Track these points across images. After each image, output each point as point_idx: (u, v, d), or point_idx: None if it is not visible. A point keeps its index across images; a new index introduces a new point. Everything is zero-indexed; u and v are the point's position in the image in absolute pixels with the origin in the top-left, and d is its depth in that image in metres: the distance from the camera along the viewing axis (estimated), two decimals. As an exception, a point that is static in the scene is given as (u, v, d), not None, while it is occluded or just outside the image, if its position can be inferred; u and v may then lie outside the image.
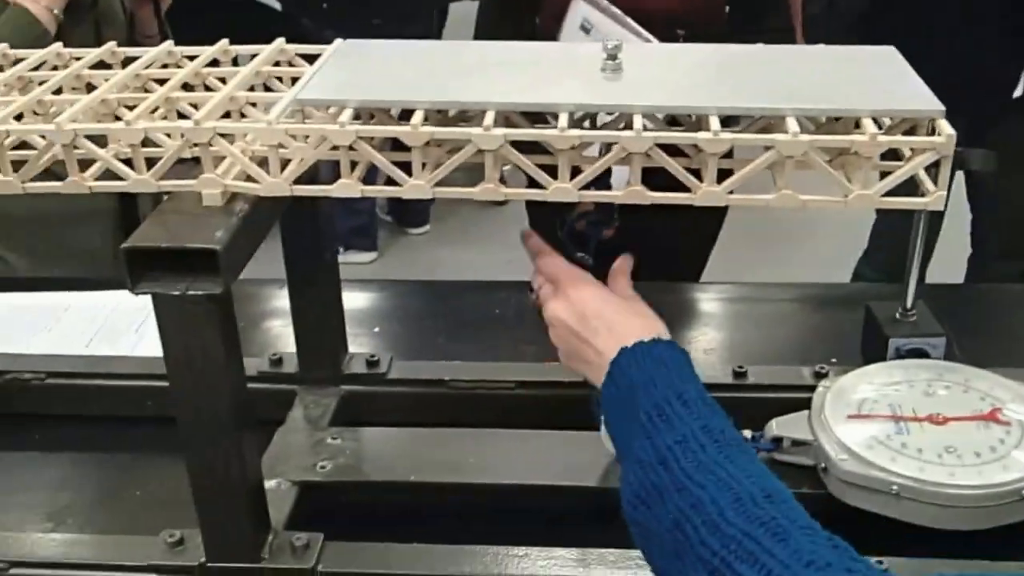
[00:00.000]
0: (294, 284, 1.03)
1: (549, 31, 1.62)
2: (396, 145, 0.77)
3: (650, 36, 1.48)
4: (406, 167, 0.76)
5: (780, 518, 0.59)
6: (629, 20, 1.49)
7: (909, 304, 1.15)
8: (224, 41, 0.94)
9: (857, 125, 0.75)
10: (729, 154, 0.77)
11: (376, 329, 1.31)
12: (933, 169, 0.74)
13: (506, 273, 1.32)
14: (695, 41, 1.61)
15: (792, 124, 0.74)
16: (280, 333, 1.28)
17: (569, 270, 0.87)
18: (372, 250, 3.50)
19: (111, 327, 1.30)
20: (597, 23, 1.52)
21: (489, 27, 1.82)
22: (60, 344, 1.26)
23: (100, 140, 0.79)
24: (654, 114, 0.81)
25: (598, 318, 0.81)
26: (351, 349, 1.10)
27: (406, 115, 0.77)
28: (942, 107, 0.74)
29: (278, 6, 3.52)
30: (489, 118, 0.75)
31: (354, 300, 1.30)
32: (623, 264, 0.89)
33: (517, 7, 1.74)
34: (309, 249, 1.01)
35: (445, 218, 3.68)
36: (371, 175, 0.80)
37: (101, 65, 0.92)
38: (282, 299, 1.16)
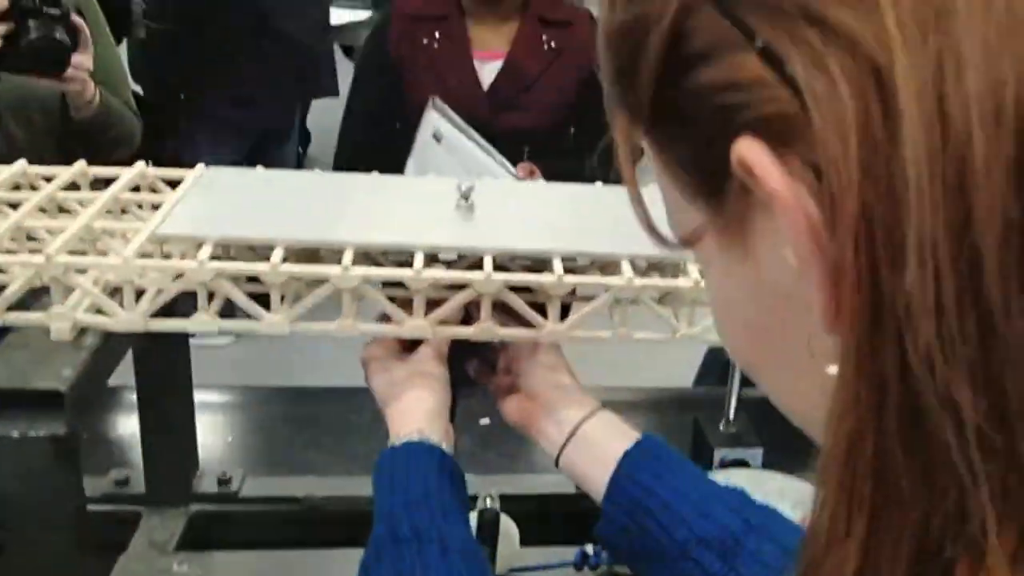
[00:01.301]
0: (143, 402, 1.02)
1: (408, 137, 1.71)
2: (252, 276, 0.79)
3: (495, 152, 1.57)
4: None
5: None
6: (475, 134, 1.58)
7: (731, 416, 1.23)
8: (81, 162, 0.93)
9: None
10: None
11: (229, 439, 1.30)
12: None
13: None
14: (541, 157, 1.73)
15: (627, 268, 0.79)
16: (131, 443, 1.26)
17: (376, 347, 0.86)
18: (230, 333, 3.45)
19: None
20: (447, 134, 1.61)
21: (356, 128, 1.89)
22: None
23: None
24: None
25: (377, 399, 0.84)
26: (202, 461, 1.09)
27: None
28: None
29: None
30: (347, 257, 0.77)
31: (207, 405, 1.29)
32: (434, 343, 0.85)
33: (380, 115, 1.82)
34: (162, 370, 1.00)
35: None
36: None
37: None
38: (131, 404, 1.14)
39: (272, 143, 3.18)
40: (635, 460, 0.76)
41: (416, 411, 0.80)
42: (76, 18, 1.50)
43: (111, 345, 0.78)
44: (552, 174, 0.97)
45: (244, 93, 3.09)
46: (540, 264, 0.85)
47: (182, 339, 1.02)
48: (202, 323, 0.78)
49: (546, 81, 1.78)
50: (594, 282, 0.79)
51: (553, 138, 1.80)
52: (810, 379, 0.33)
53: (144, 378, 1.00)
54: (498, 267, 0.79)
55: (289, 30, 3.03)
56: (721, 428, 1.24)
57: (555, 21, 1.80)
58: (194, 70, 3.13)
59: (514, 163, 1.67)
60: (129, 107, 1.72)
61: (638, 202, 0.39)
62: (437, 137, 1.63)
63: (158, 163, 0.95)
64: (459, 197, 0.86)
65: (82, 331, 0.77)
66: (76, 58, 1.49)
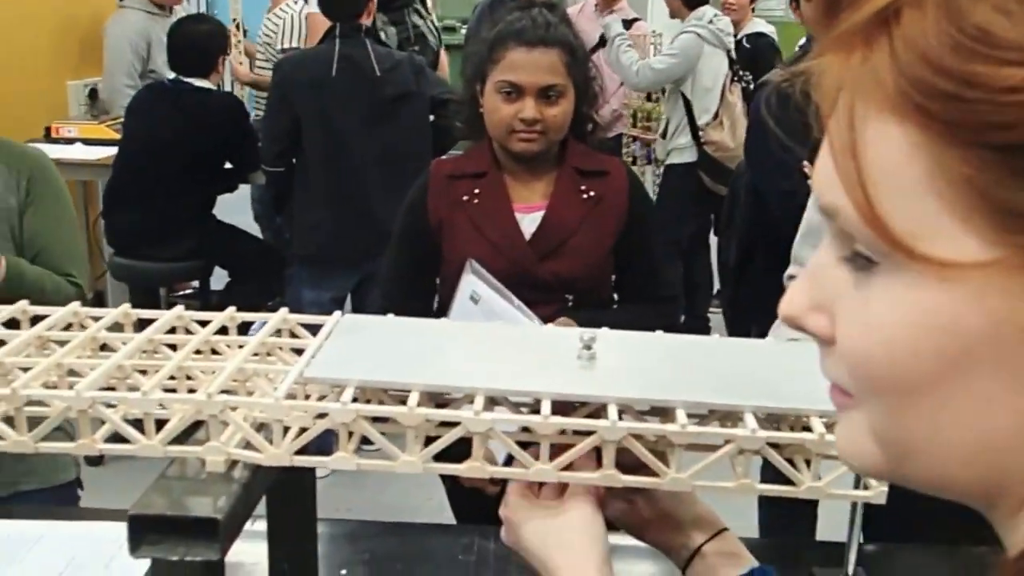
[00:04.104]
0: (274, 534, 1.07)
1: (445, 299, 1.77)
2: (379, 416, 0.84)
3: (531, 313, 1.62)
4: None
5: None
6: (512, 296, 1.63)
7: (850, 571, 1.22)
8: (231, 308, 1.02)
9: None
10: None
11: (343, 572, 1.34)
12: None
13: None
14: (583, 304, 1.77)
15: (750, 420, 0.82)
16: (251, 571, 1.31)
17: (518, 502, 0.89)
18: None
19: (81, 561, 1.32)
20: (484, 295, 1.66)
21: (394, 286, 1.94)
22: (31, 577, 1.28)
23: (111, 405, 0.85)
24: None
25: (534, 558, 0.85)
26: (321, 595, 1.13)
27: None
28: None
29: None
30: (479, 403, 0.82)
31: (322, 537, 1.33)
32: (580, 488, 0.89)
33: (421, 277, 1.88)
34: (293, 504, 1.05)
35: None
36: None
37: (116, 327, 0.99)
38: (249, 537, 1.19)
39: (376, 284, 3.27)
40: None
41: (587, 564, 0.82)
42: None
43: (258, 478, 0.84)
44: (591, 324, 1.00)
45: (339, 244, 3.20)
46: (659, 412, 0.90)
47: (311, 476, 1.07)
48: (342, 460, 0.84)
49: (585, 229, 1.82)
50: (719, 432, 0.82)
51: (593, 284, 1.85)
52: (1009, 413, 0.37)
53: (275, 510, 1.05)
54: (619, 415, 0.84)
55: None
56: None
57: (591, 171, 1.85)
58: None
59: (557, 308, 1.72)
60: (70, 280, 1.77)
61: (860, 186, 0.41)
62: (474, 299, 1.68)
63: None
64: (581, 347, 0.91)
65: (233, 463, 0.83)
66: None
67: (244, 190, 4.10)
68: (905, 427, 0.43)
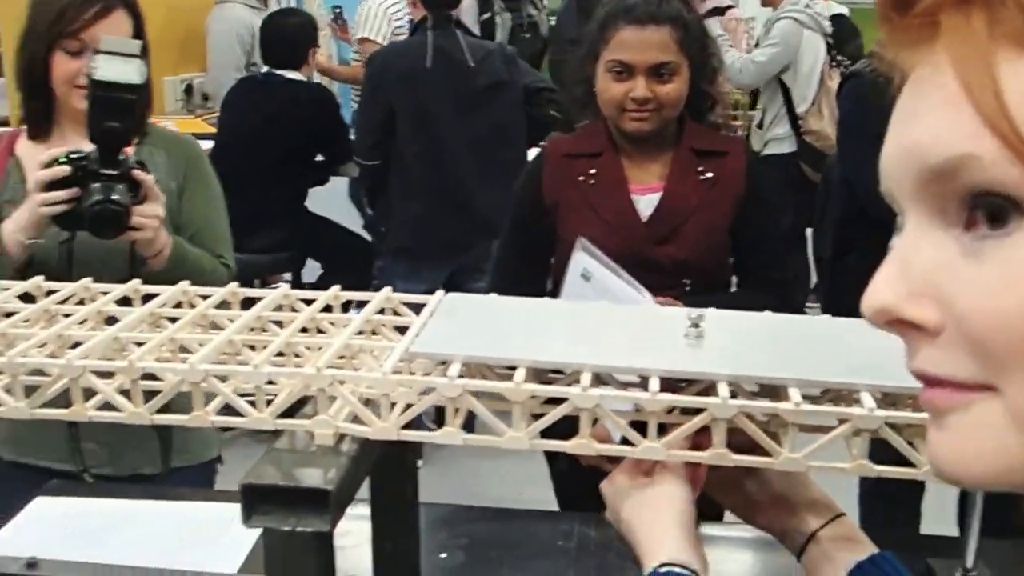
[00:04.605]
0: (377, 512, 1.07)
1: (558, 280, 1.75)
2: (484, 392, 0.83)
3: (643, 289, 1.59)
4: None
5: None
6: (623, 272, 1.61)
7: (970, 564, 1.18)
8: (336, 287, 1.02)
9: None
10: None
11: (443, 555, 1.34)
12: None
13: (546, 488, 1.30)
14: (700, 290, 1.74)
15: (867, 399, 0.80)
16: (350, 554, 1.31)
17: (620, 477, 0.88)
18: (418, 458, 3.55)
19: (188, 539, 1.35)
20: (596, 273, 1.64)
21: (507, 268, 1.94)
22: (140, 553, 1.30)
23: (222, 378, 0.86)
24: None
25: (624, 530, 0.85)
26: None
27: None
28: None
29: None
30: (586, 378, 0.81)
31: (421, 523, 1.33)
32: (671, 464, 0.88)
33: (535, 256, 1.87)
34: (396, 481, 1.06)
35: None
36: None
37: (223, 305, 1.00)
38: (350, 519, 1.20)
39: (467, 277, 3.27)
40: (865, 570, 0.80)
41: (670, 537, 0.81)
42: (138, 173, 1.57)
43: (365, 452, 0.84)
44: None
45: (441, 236, 3.22)
46: (768, 393, 0.88)
47: (413, 456, 1.07)
48: (448, 435, 0.84)
49: (703, 211, 1.80)
50: (834, 411, 0.80)
51: (711, 267, 1.81)
52: None
53: (378, 490, 1.06)
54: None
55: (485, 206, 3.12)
56: (958, 575, 1.18)
57: (709, 151, 1.82)
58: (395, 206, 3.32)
59: (674, 295, 1.69)
60: (222, 261, 1.81)
61: (1006, 119, 0.39)
62: (586, 277, 1.66)
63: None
64: (689, 325, 0.89)
65: (340, 438, 0.84)
66: (141, 209, 1.57)
67: (335, 182, 4.15)
68: None
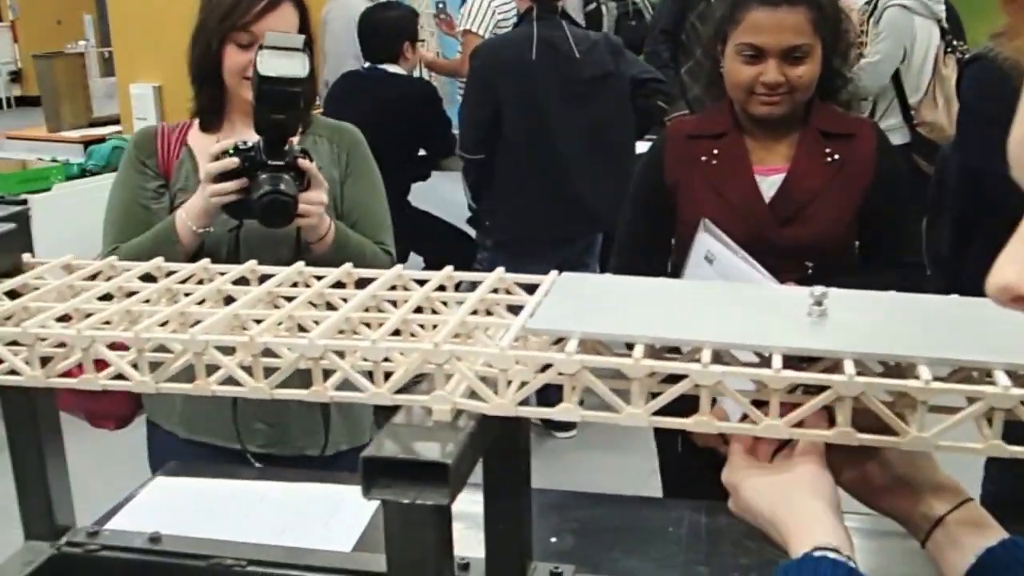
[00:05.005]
0: (490, 491, 1.08)
1: (679, 262, 1.73)
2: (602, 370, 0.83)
3: (767, 273, 1.55)
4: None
5: None
6: (746, 254, 1.58)
7: None
8: (449, 268, 1.03)
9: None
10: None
11: (553, 539, 1.34)
12: None
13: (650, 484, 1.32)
14: (823, 270, 1.69)
15: (1002, 377, 0.77)
16: (462, 536, 1.32)
17: (740, 462, 0.87)
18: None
19: (301, 519, 1.37)
20: (719, 255, 1.61)
21: (628, 249, 1.92)
22: (255, 532, 1.33)
23: (340, 353, 0.87)
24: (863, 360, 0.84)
25: (761, 517, 0.83)
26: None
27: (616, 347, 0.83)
28: None
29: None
30: (706, 355, 0.80)
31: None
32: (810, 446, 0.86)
33: (656, 237, 1.85)
34: (509, 460, 1.06)
35: (592, 424, 3.71)
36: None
37: (338, 285, 1.01)
38: (463, 503, 1.21)
39: (571, 271, 3.24)
40: (997, 556, 0.77)
41: (822, 521, 0.79)
42: (303, 162, 1.63)
43: (483, 429, 0.84)
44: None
45: (547, 229, 3.22)
46: (894, 373, 0.85)
47: (526, 436, 1.07)
48: (567, 411, 0.83)
49: (829, 194, 1.75)
50: (967, 390, 0.77)
51: (836, 251, 1.77)
52: None
53: (492, 469, 1.06)
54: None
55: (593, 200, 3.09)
56: None
57: (837, 133, 1.77)
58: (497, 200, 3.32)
59: (798, 278, 1.65)
60: (383, 248, 1.85)
61: None
62: (709, 259, 1.64)
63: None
64: (812, 303, 0.87)
65: (457, 414, 0.84)
66: (306, 196, 1.62)
67: (437, 176, 4.18)
68: None
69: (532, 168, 3.14)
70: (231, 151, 1.61)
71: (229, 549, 1.19)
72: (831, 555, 0.75)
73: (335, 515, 1.36)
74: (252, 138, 1.63)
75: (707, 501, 1.34)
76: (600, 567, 1.24)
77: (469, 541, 1.13)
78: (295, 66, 1.55)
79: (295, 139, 1.73)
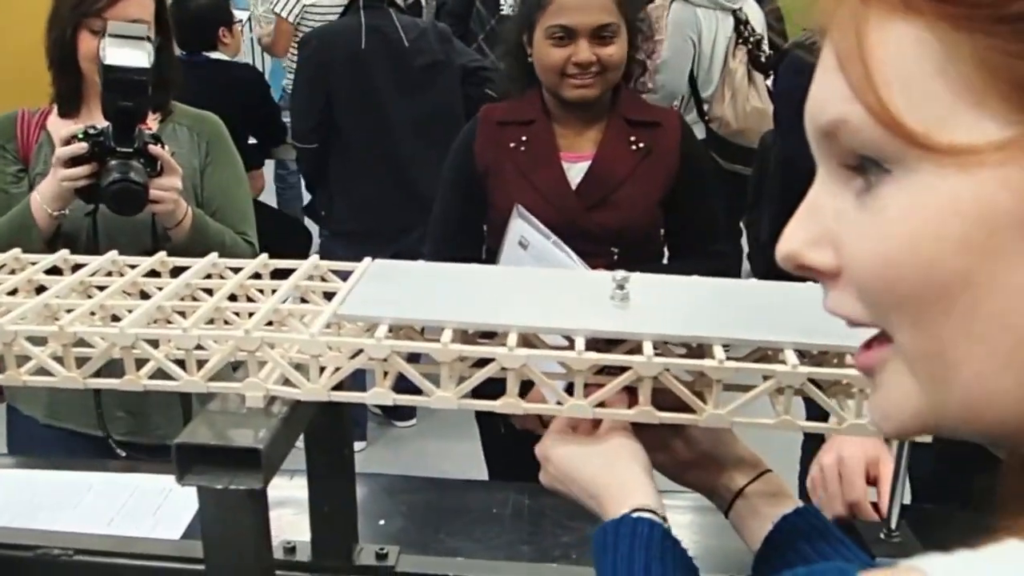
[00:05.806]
0: (313, 475, 1.08)
1: (493, 247, 1.77)
2: (411, 358, 0.85)
3: (577, 259, 1.61)
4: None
5: None
6: (559, 240, 1.63)
7: (893, 526, 1.19)
8: (264, 255, 1.03)
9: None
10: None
11: (382, 522, 1.36)
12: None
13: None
14: (629, 254, 1.76)
15: (791, 356, 0.82)
16: (292, 521, 1.32)
17: (554, 437, 0.90)
18: (362, 440, 3.55)
19: (131, 509, 1.36)
20: (532, 240, 1.66)
21: (442, 234, 1.94)
22: (83, 522, 1.31)
23: (153, 343, 0.87)
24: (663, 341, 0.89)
25: (576, 484, 0.85)
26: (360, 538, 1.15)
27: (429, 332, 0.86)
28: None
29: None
30: (512, 339, 0.83)
31: (361, 492, 1.35)
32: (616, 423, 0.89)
33: (469, 222, 1.89)
34: (330, 444, 1.07)
35: (432, 413, 3.74)
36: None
37: (152, 273, 1.00)
38: (292, 489, 1.21)
39: (409, 259, 3.23)
40: (791, 522, 0.83)
41: (639, 485, 0.82)
42: (154, 148, 1.62)
43: (296, 414, 0.85)
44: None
45: (377, 219, 3.21)
46: (695, 354, 0.90)
47: (347, 419, 1.08)
48: (379, 395, 0.85)
49: (634, 181, 1.81)
50: (758, 368, 0.82)
51: (641, 237, 1.84)
52: None
53: (314, 455, 1.07)
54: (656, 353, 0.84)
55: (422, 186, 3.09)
56: (881, 536, 1.19)
57: (643, 122, 1.83)
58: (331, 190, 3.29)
59: (604, 263, 1.71)
60: (245, 239, 1.84)
61: (871, 88, 0.41)
62: (523, 244, 1.69)
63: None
64: (615, 287, 0.91)
65: (272, 400, 0.85)
66: (159, 182, 1.62)
67: (270, 165, 4.12)
68: (939, 338, 0.41)
69: (367, 157, 3.13)
70: (80, 135, 1.60)
71: (57, 539, 1.17)
72: (647, 515, 0.79)
73: (164, 504, 1.35)
74: (103, 124, 1.61)
75: (531, 484, 1.38)
76: (426, 548, 1.26)
77: (297, 526, 1.13)
78: (138, 56, 1.55)
79: (153, 126, 1.72)
